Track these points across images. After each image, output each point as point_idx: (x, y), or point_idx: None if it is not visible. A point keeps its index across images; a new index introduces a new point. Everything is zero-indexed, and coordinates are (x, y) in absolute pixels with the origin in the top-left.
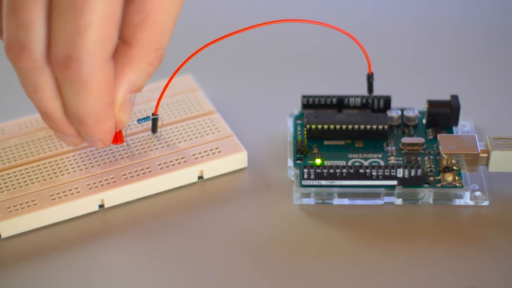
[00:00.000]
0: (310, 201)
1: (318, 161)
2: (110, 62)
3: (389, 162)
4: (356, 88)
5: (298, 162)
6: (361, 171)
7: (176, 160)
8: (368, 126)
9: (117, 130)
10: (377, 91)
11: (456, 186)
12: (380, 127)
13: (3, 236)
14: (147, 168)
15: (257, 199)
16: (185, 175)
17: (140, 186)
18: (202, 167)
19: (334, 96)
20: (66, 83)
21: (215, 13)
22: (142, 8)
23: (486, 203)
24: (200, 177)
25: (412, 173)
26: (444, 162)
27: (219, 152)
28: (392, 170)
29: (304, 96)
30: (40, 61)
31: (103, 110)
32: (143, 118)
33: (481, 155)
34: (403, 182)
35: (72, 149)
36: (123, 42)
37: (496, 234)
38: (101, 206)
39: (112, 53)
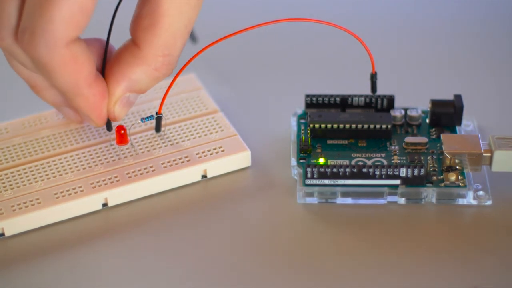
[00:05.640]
0: (314, 200)
1: (321, 160)
2: (72, 46)
3: (392, 161)
4: (359, 88)
5: (301, 161)
6: (364, 170)
7: (180, 159)
8: (372, 126)
9: (122, 132)
10: (380, 91)
11: (459, 186)
12: (384, 126)
13: (7, 234)
14: (151, 167)
15: (260, 198)
16: (189, 174)
17: (143, 185)
18: (206, 166)
19: (337, 96)
20: (32, 60)
21: (219, 13)
22: (153, 11)
23: (489, 202)
24: (204, 176)
25: (415, 173)
26: (447, 162)
27: (222, 151)
28: (395, 170)
29: (307, 96)
30: (8, 39)
31: (77, 87)
32: (147, 117)
33: (484, 154)
34: (406, 181)
35: (76, 148)
36: (133, 42)
37: (499, 233)
38: (105, 205)
39: (74, 39)
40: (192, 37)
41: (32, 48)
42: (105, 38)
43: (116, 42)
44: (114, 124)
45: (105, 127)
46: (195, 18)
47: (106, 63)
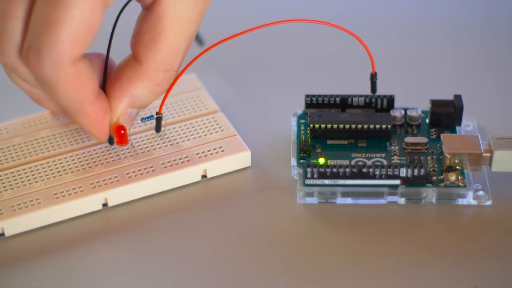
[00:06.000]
0: (313, 200)
1: (321, 161)
2: (77, 64)
3: (392, 161)
4: (359, 88)
5: (301, 161)
6: (364, 170)
7: (180, 159)
8: (372, 126)
9: (122, 132)
10: (380, 91)
11: (459, 186)
12: (384, 126)
13: (7, 234)
14: (151, 167)
15: (260, 198)
16: (189, 174)
17: (143, 185)
18: (206, 166)
19: (337, 96)
20: (36, 77)
21: (220, 14)
22: (154, 26)
23: (489, 202)
24: (204, 176)
25: (415, 173)
26: (447, 162)
27: (222, 151)
28: (395, 170)
29: (307, 96)
30: (13, 56)
31: (80, 104)
32: (147, 117)
33: (484, 154)
34: (406, 181)
35: (76, 148)
36: (134, 58)
37: (499, 233)
38: (105, 205)
39: (80, 57)
40: (199, 40)
41: (37, 66)
42: (104, 52)
43: (116, 57)
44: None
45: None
46: (195, 33)
47: (107, 79)
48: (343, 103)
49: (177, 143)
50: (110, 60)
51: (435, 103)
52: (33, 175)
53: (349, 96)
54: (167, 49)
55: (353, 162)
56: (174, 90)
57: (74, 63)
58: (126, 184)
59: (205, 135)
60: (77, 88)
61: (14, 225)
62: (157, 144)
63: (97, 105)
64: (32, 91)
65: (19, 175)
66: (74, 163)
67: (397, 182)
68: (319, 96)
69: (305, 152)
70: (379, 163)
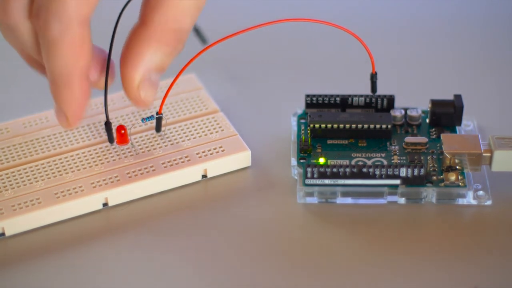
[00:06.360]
0: (314, 200)
1: (321, 160)
2: (84, 26)
3: (392, 161)
4: (359, 88)
5: (301, 161)
6: (364, 170)
7: (180, 159)
8: (372, 126)
9: (122, 132)
10: (380, 91)
11: (459, 186)
12: (384, 126)
13: (7, 234)
14: (151, 166)
15: (260, 198)
16: (189, 174)
17: (144, 185)
18: (206, 166)
19: (337, 96)
20: (40, 37)
21: (219, 13)
22: None
23: (489, 202)
24: (204, 176)
25: (415, 173)
26: (447, 162)
27: (223, 151)
28: (395, 170)
29: (307, 95)
30: (16, 18)
31: (72, 74)
32: (147, 117)
33: (484, 154)
34: (406, 181)
35: (76, 148)
36: (142, 22)
37: (499, 233)
38: (105, 204)
39: (88, 18)
40: (201, 37)
41: (45, 26)
42: (107, 50)
43: (118, 54)
44: (114, 125)
45: (105, 126)
46: None
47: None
48: (343, 103)
49: (177, 143)
50: (111, 61)
51: (435, 103)
52: (33, 174)
53: (349, 96)
54: (173, 9)
55: (353, 162)
56: (174, 90)
57: (81, 25)
58: (126, 184)
59: (205, 135)
60: (76, 54)
61: (14, 225)
62: (157, 144)
63: (84, 84)
64: (23, 50)
65: (19, 174)
66: (75, 163)
67: (397, 182)
68: (319, 96)
69: (305, 152)
70: (379, 163)
